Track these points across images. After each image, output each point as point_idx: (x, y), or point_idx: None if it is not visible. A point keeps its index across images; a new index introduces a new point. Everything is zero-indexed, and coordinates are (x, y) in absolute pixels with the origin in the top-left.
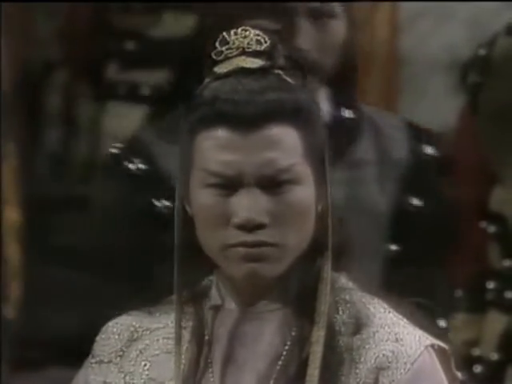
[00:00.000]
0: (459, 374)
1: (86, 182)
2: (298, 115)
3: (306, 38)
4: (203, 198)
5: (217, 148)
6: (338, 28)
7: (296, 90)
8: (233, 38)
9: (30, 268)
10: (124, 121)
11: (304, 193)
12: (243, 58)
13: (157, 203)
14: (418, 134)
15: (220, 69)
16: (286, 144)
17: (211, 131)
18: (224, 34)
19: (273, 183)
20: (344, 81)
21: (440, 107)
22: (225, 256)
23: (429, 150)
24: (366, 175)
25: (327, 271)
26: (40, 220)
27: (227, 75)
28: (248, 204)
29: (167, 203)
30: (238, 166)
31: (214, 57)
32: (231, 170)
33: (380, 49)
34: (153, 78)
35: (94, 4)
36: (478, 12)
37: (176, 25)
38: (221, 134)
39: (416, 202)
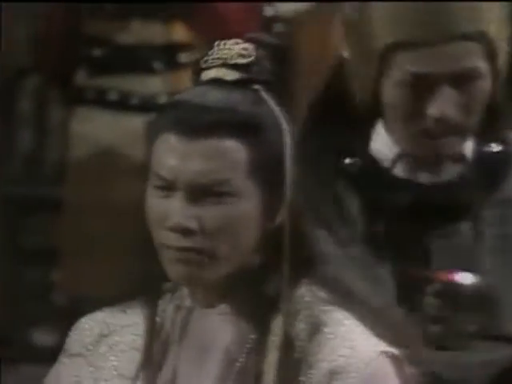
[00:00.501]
0: (413, 380)
1: (57, 183)
2: (251, 132)
3: (447, 104)
4: (149, 199)
5: (165, 152)
6: (484, 87)
7: (266, 107)
8: (220, 48)
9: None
10: (92, 124)
11: (241, 207)
12: (223, 69)
13: None
14: None
15: (202, 76)
16: (228, 158)
17: (165, 135)
18: (216, 43)
19: (207, 193)
20: (492, 115)
21: None
22: (163, 256)
23: None
24: None
25: (284, 282)
26: (10, 221)
27: (205, 83)
28: (178, 209)
29: None
30: (176, 172)
31: (200, 64)
32: (170, 174)
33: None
34: (121, 84)
35: (66, 11)
36: None
37: (143, 32)
38: (171, 138)
39: None
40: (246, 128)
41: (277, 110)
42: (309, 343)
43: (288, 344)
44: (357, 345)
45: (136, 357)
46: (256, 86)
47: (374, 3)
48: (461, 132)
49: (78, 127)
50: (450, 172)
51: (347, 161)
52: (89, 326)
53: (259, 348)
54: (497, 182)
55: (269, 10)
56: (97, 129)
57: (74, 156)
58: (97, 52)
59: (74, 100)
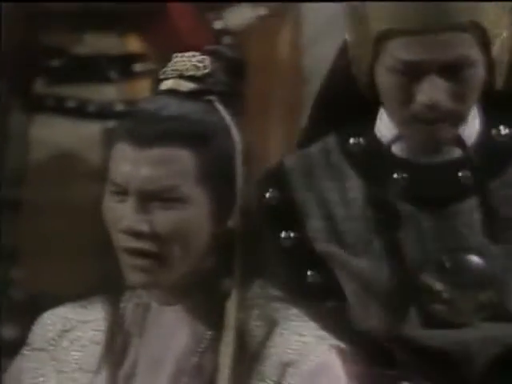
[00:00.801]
0: (356, 369)
1: (17, 185)
2: (201, 140)
3: (437, 92)
4: (106, 203)
5: (119, 160)
6: (477, 76)
7: (218, 117)
8: (177, 60)
9: None
10: (51, 130)
11: (191, 212)
12: (179, 80)
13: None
14: None
15: (160, 87)
16: (175, 165)
17: (120, 144)
18: (174, 55)
19: (157, 198)
20: (503, 100)
21: None
22: (120, 257)
23: None
24: None
25: (237, 281)
26: None
27: (163, 93)
28: (130, 213)
29: (292, 234)
30: (128, 178)
31: (159, 75)
32: (123, 180)
33: (285, 67)
34: (78, 92)
35: (24, 23)
36: None
37: (99, 43)
38: (125, 147)
39: None
40: (196, 137)
41: (229, 119)
42: (262, 338)
43: (242, 340)
44: (307, 339)
45: (97, 351)
46: (210, 97)
47: None
48: (454, 118)
49: (38, 133)
50: (451, 153)
51: (351, 141)
52: (51, 321)
53: (215, 344)
54: (504, 164)
55: (218, 24)
56: (55, 134)
57: (34, 159)
58: (55, 62)
59: (34, 107)
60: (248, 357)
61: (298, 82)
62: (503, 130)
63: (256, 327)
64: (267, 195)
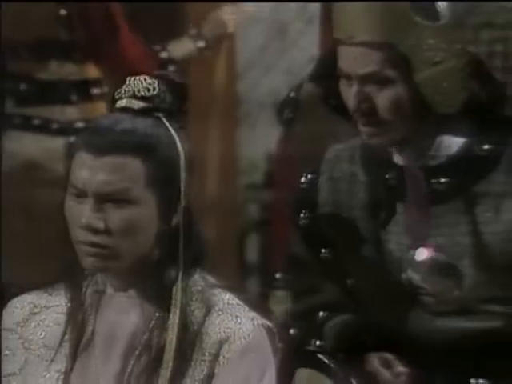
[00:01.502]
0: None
1: None
2: (147, 151)
3: (363, 100)
4: (67, 203)
5: (78, 166)
6: (393, 92)
7: (164, 130)
8: (130, 82)
9: None
10: (20, 144)
11: (140, 212)
12: (132, 99)
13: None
14: None
15: (116, 105)
16: (126, 171)
17: (79, 153)
18: (128, 78)
19: (111, 199)
20: (487, 114)
21: (267, 136)
22: (77, 249)
23: None
24: (490, 208)
25: (180, 270)
26: None
27: (118, 110)
28: (88, 212)
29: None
30: (86, 182)
31: (115, 95)
32: (81, 184)
33: (221, 91)
34: (43, 112)
35: None
36: (293, 64)
37: (60, 70)
38: (83, 156)
39: None
40: (145, 147)
41: (174, 133)
42: (202, 319)
43: (185, 320)
44: (240, 319)
45: (59, 331)
46: (158, 114)
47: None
48: (383, 126)
49: (8, 146)
50: (434, 160)
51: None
52: (20, 305)
53: (162, 323)
54: (481, 174)
55: (163, 54)
56: (24, 147)
57: (6, 168)
58: (22, 86)
59: (5, 125)
60: (190, 334)
61: (233, 102)
62: (484, 146)
63: (197, 309)
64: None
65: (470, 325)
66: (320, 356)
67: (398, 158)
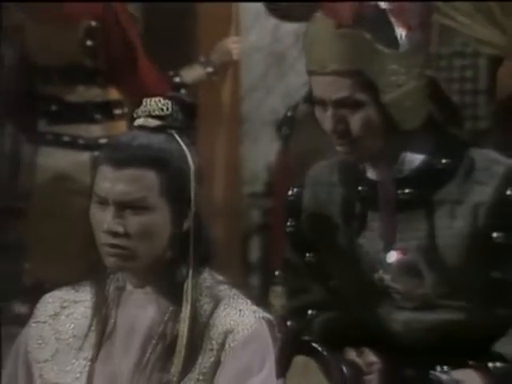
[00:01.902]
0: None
1: (27, 198)
2: (161, 164)
3: (337, 122)
4: (91, 210)
5: (101, 177)
6: (364, 114)
7: (176, 146)
8: (147, 103)
9: None
10: (52, 159)
11: (153, 218)
12: (148, 118)
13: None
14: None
15: (134, 123)
16: (143, 182)
17: (102, 166)
18: (144, 99)
19: (130, 207)
20: (444, 131)
21: (267, 150)
22: (101, 251)
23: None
24: (444, 215)
25: (191, 269)
26: None
27: (135, 128)
28: (109, 218)
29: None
30: (107, 192)
31: (133, 115)
32: (103, 193)
33: (227, 111)
34: (71, 130)
35: (25, 78)
36: (290, 87)
37: (86, 93)
38: (105, 169)
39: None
40: (159, 161)
41: (185, 148)
42: (210, 312)
43: (195, 313)
44: (243, 312)
45: (86, 323)
46: (171, 131)
47: (306, 31)
48: (362, 144)
49: (42, 160)
50: (399, 173)
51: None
52: (51, 300)
53: (175, 317)
54: (440, 185)
55: (176, 78)
56: (55, 161)
57: (40, 179)
58: (53, 107)
59: (38, 141)
60: (200, 325)
61: (238, 121)
62: (443, 160)
63: (205, 303)
64: (290, 194)
65: (432, 317)
66: (315, 345)
67: (371, 173)
